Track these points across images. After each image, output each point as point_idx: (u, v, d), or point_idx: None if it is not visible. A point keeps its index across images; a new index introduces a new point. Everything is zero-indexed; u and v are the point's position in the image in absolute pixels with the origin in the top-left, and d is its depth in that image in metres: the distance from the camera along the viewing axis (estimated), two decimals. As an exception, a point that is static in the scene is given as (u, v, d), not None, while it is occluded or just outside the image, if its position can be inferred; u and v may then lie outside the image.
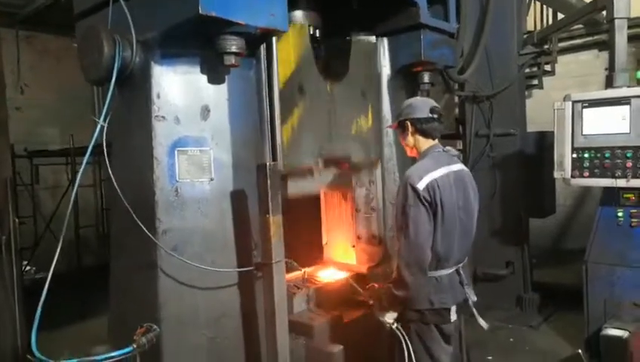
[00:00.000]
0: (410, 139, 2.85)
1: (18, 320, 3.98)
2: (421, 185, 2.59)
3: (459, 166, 2.85)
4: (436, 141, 2.86)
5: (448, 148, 2.88)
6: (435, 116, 2.81)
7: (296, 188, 3.29)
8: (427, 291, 2.68)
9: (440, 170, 2.69)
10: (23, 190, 7.51)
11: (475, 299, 2.87)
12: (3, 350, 3.96)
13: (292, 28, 3.12)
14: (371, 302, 2.93)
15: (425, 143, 2.83)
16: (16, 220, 4.10)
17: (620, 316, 4.00)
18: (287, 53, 3.11)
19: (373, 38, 3.70)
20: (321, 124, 3.35)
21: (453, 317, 2.76)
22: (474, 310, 2.87)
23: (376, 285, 3.05)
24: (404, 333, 2.72)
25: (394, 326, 2.73)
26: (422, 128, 2.80)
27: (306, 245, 3.80)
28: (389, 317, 2.75)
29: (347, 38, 3.63)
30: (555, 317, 5.55)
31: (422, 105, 2.84)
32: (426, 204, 2.59)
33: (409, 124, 2.82)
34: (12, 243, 3.94)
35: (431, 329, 2.76)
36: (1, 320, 3.96)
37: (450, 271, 2.76)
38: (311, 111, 3.23)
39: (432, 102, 2.88)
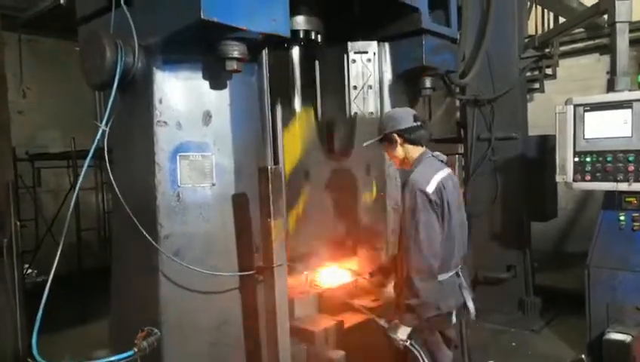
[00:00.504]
0: (399, 150, 2.84)
1: (19, 323, 3.97)
2: (430, 189, 2.61)
3: (448, 170, 2.87)
4: (425, 147, 2.88)
5: (437, 153, 2.91)
6: (420, 123, 2.84)
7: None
8: (435, 297, 2.67)
9: (440, 172, 2.73)
10: (24, 193, 7.52)
11: (472, 304, 2.87)
12: (4, 353, 3.96)
13: (298, 117, 3.27)
14: (382, 322, 2.87)
15: (415, 151, 2.84)
16: (18, 223, 4.10)
17: (623, 320, 3.98)
18: (293, 142, 3.23)
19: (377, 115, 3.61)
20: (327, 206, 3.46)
21: (454, 320, 2.78)
22: (470, 306, 2.86)
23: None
24: (419, 349, 2.68)
25: (408, 344, 2.67)
26: (410, 138, 2.81)
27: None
28: (403, 334, 2.68)
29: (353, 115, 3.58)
30: (557, 321, 5.54)
31: (405, 115, 2.87)
32: (436, 207, 2.61)
33: (396, 136, 2.81)
34: (13, 246, 3.94)
35: (435, 335, 2.75)
36: (2, 323, 3.96)
37: (451, 273, 2.78)
38: (316, 196, 3.31)
39: (412, 111, 2.93)
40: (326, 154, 3.46)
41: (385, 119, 2.94)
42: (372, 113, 3.46)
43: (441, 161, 2.87)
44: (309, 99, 3.53)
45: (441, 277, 2.72)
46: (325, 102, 3.64)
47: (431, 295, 2.62)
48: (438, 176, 2.69)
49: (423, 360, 2.66)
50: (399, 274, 2.96)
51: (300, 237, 3.19)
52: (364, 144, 3.07)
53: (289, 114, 3.33)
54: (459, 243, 2.80)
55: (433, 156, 2.86)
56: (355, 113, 3.48)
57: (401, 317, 2.68)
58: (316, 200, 3.32)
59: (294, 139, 3.31)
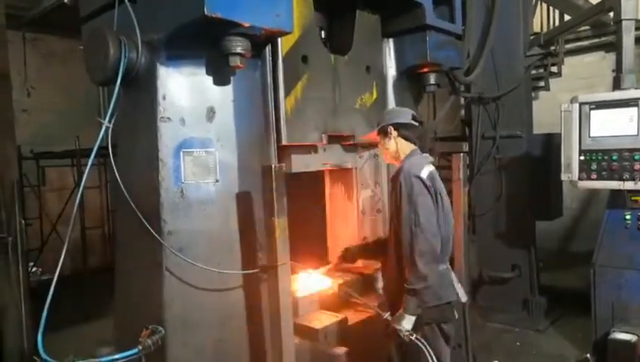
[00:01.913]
0: (392, 143, 2.92)
1: (24, 321, 3.99)
2: (424, 174, 2.71)
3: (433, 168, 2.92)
4: (416, 146, 2.95)
5: (426, 154, 2.98)
6: (417, 123, 2.93)
7: (300, 164, 3.24)
8: (433, 286, 2.69)
9: (430, 165, 2.84)
10: (29, 191, 7.54)
11: (465, 298, 2.92)
12: (9, 351, 3.98)
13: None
14: (385, 316, 2.86)
15: (407, 147, 2.92)
16: (23, 221, 4.12)
17: (629, 320, 3.96)
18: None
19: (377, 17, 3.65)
20: (325, 98, 3.29)
21: (456, 314, 2.81)
22: (460, 291, 2.87)
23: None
24: (424, 341, 2.67)
25: (413, 337, 2.67)
26: (404, 133, 2.90)
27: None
28: (408, 324, 2.67)
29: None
30: (563, 320, 5.52)
31: (404, 113, 2.99)
32: (430, 191, 2.69)
33: (392, 128, 2.90)
34: (18, 245, 3.96)
35: (435, 329, 2.75)
36: (7, 321, 3.98)
37: (445, 266, 2.82)
38: (314, 83, 3.18)
39: (412, 111, 3.01)
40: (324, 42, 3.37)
41: (385, 113, 3.07)
42: None
43: (429, 163, 2.91)
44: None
45: (439, 267, 2.74)
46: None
47: (435, 279, 2.65)
48: (428, 167, 2.80)
49: (429, 352, 2.65)
50: (389, 271, 2.98)
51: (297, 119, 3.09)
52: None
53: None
54: (450, 236, 2.86)
55: (423, 156, 2.94)
56: None
57: (405, 306, 2.68)
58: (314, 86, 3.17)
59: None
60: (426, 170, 2.76)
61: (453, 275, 2.90)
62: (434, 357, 2.65)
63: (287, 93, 2.93)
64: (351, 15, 3.50)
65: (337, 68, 3.34)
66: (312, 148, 3.28)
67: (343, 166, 3.56)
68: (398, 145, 2.91)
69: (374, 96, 3.60)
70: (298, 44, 3.02)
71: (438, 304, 2.72)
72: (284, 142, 2.93)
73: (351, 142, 3.49)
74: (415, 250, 2.62)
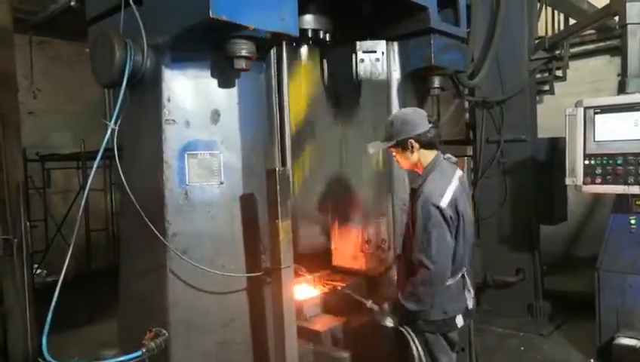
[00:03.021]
0: (414, 156, 2.75)
1: (29, 323, 4.00)
2: (444, 203, 2.56)
3: (460, 172, 2.84)
4: (438, 151, 2.83)
5: (448, 155, 2.86)
6: (433, 124, 2.77)
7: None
8: (440, 301, 2.68)
9: (453, 181, 2.69)
10: (34, 194, 7.58)
11: (472, 306, 2.88)
12: (14, 353, 3.99)
13: (303, 68, 3.22)
14: (369, 304, 2.90)
15: (430, 155, 2.77)
16: (28, 224, 4.13)
17: (633, 325, 3.95)
18: (298, 94, 3.20)
19: (384, 77, 3.57)
20: (332, 166, 3.39)
21: (460, 323, 2.77)
22: (470, 303, 2.86)
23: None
24: (410, 331, 2.70)
25: (393, 325, 2.74)
26: (427, 141, 2.73)
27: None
28: (389, 322, 2.75)
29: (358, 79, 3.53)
30: (567, 325, 5.49)
31: (419, 119, 2.75)
32: (450, 221, 2.57)
33: (414, 141, 2.71)
34: (23, 247, 3.97)
35: (438, 338, 2.74)
36: (12, 323, 3.99)
37: (457, 277, 2.77)
38: (322, 154, 3.28)
39: (423, 112, 2.84)
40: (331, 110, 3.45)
41: (398, 123, 2.77)
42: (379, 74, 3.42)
43: (453, 163, 2.84)
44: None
45: (449, 281, 2.71)
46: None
47: (430, 300, 2.63)
48: (452, 187, 2.64)
49: (414, 342, 2.67)
50: (400, 277, 2.97)
51: (305, 193, 3.18)
52: (371, 151, 2.94)
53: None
54: (468, 247, 2.80)
55: (445, 159, 2.82)
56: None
57: (391, 310, 2.74)
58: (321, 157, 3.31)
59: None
60: (449, 194, 2.59)
61: (468, 282, 2.84)
62: (419, 346, 2.67)
63: (294, 163, 2.99)
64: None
65: (344, 137, 3.45)
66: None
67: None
68: (420, 156, 2.75)
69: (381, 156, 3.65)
70: (307, 115, 3.16)
71: (445, 318, 2.71)
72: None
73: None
74: (419, 276, 2.59)
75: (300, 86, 3.28)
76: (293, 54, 3.27)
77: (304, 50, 3.38)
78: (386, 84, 3.51)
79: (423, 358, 2.68)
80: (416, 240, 2.63)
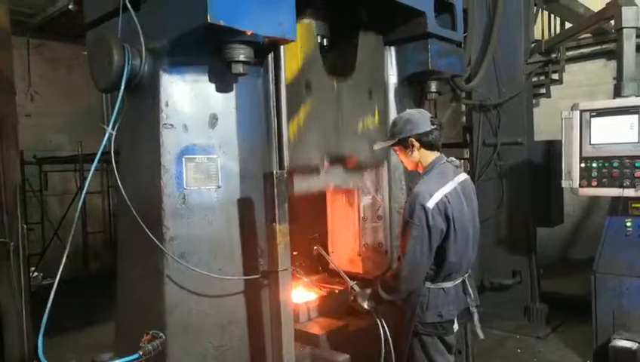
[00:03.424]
0: (415, 155, 2.78)
1: (25, 326, 3.99)
2: (431, 204, 2.57)
3: (463, 176, 2.85)
4: (440, 153, 2.85)
5: (451, 158, 2.88)
6: (436, 126, 2.79)
7: (303, 186, 3.23)
8: (436, 304, 2.70)
9: (449, 184, 2.69)
10: (31, 196, 7.59)
11: (475, 309, 2.87)
12: (10, 355, 3.97)
13: (299, 25, 3.07)
14: (353, 284, 3.05)
15: (431, 156, 2.79)
16: (25, 227, 4.12)
17: (629, 327, 3.96)
18: (294, 50, 3.09)
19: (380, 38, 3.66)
20: (328, 122, 3.31)
21: (456, 327, 2.79)
22: (475, 319, 2.88)
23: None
24: (382, 320, 2.86)
25: (371, 311, 2.88)
26: (428, 141, 2.76)
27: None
28: (367, 305, 2.89)
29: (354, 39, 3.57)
30: (563, 327, 5.51)
31: (422, 119, 2.78)
32: (431, 223, 2.57)
33: (414, 140, 2.75)
34: (20, 250, 3.96)
35: (435, 341, 2.76)
36: (8, 326, 3.97)
37: (457, 281, 2.78)
38: (317, 109, 3.20)
39: (427, 113, 2.86)
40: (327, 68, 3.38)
41: (401, 122, 2.82)
42: None
43: (456, 167, 2.86)
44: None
45: (446, 284, 2.74)
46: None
47: (399, 294, 2.75)
48: (445, 189, 2.65)
49: (384, 330, 2.81)
50: None
51: (300, 150, 3.13)
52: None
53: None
54: (469, 251, 2.79)
55: (448, 161, 2.83)
56: None
57: (371, 296, 2.87)
58: (317, 112, 3.24)
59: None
60: (438, 197, 2.59)
61: (469, 287, 2.84)
62: (387, 330, 2.82)
63: (290, 119, 2.91)
64: (354, 34, 3.54)
65: (340, 93, 3.38)
66: (314, 170, 3.28)
67: (344, 188, 3.60)
68: (421, 156, 2.79)
69: (376, 119, 3.64)
70: (301, 71, 3.08)
71: (440, 321, 2.72)
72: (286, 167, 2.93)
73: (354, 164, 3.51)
74: (396, 270, 2.73)
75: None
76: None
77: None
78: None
79: (390, 340, 2.82)
80: (399, 233, 2.72)
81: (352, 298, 2.99)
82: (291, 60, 3.03)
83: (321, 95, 3.25)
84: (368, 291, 2.90)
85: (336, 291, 3.47)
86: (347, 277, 3.14)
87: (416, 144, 2.75)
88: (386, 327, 2.80)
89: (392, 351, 2.81)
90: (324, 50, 3.39)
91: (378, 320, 2.85)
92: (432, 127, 2.76)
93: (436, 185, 2.65)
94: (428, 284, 2.72)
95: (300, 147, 3.09)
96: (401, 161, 2.99)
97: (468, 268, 2.84)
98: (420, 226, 2.57)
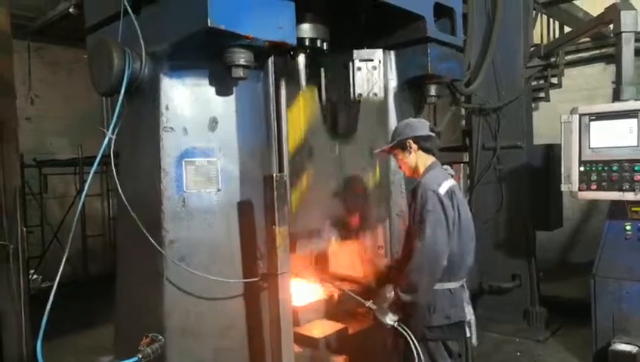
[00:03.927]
0: (412, 157, 2.89)
1: (24, 329, 3.98)
2: (442, 190, 2.68)
3: (454, 182, 2.91)
4: (436, 159, 2.94)
5: (446, 166, 2.99)
6: (434, 134, 2.93)
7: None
8: (442, 306, 2.70)
9: (450, 180, 2.79)
10: (31, 199, 7.58)
11: (472, 317, 2.88)
12: (9, 358, 3.97)
13: (302, 95, 3.25)
14: (369, 304, 2.92)
15: (427, 159, 2.90)
16: (24, 229, 4.12)
17: (629, 331, 3.95)
18: (297, 119, 3.24)
19: (382, 96, 3.62)
20: (329, 185, 3.42)
21: (467, 332, 2.79)
22: (473, 326, 2.88)
23: None
24: (407, 329, 2.72)
25: (395, 324, 2.74)
26: (425, 145, 2.87)
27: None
28: (390, 320, 2.76)
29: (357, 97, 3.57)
30: (563, 331, 5.50)
31: (421, 125, 2.94)
32: (446, 208, 2.65)
33: (412, 142, 2.86)
34: (19, 252, 3.96)
35: (439, 345, 2.76)
36: (7, 329, 3.97)
37: (459, 283, 2.78)
38: (320, 174, 3.31)
39: (427, 122, 3.01)
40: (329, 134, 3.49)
41: (401, 126, 2.98)
42: (376, 94, 3.45)
43: (450, 175, 2.92)
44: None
45: (451, 285, 2.75)
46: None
47: (424, 289, 2.64)
48: (448, 182, 2.76)
49: (412, 340, 2.69)
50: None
51: (303, 214, 3.20)
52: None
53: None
54: (469, 252, 2.83)
55: (443, 168, 2.93)
56: (360, 94, 3.45)
57: (390, 305, 2.76)
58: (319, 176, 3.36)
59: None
60: (445, 186, 2.73)
61: (465, 295, 2.86)
62: (417, 345, 2.68)
63: (293, 187, 3.04)
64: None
65: (341, 156, 3.48)
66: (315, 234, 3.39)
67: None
68: (418, 159, 2.89)
69: (377, 177, 3.69)
70: (305, 138, 3.19)
71: (448, 324, 2.73)
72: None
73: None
74: (413, 264, 2.64)
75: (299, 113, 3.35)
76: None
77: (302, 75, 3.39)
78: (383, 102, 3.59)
79: (422, 356, 2.69)
80: (412, 227, 2.73)
81: (373, 317, 2.89)
82: (295, 128, 3.19)
83: (323, 159, 3.38)
84: (385, 305, 2.81)
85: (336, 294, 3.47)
86: (362, 299, 3.02)
87: (414, 146, 2.87)
88: (414, 338, 2.70)
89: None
90: (325, 109, 3.52)
91: (405, 333, 2.73)
92: (431, 133, 2.90)
93: (441, 177, 2.78)
94: (435, 286, 2.71)
95: (302, 212, 3.20)
96: (400, 167, 3.07)
97: (468, 269, 2.85)
98: (435, 211, 2.63)
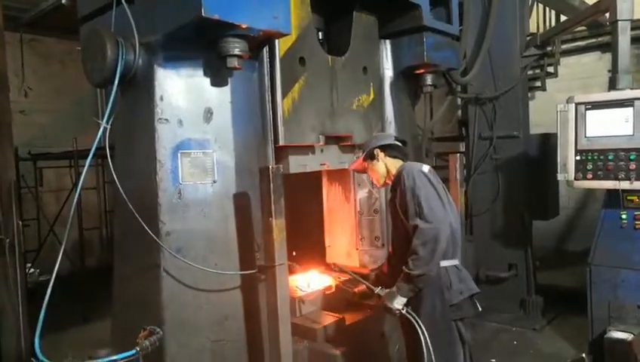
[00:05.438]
0: (381, 165, 3.00)
1: (21, 323, 3.98)
2: (425, 169, 2.81)
3: None
4: (404, 162, 3.00)
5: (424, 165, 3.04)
6: (399, 143, 3.04)
7: (298, 165, 3.24)
8: (456, 281, 2.73)
9: (426, 165, 2.92)
10: (26, 193, 7.53)
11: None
12: (7, 352, 3.97)
13: None
14: (377, 290, 2.90)
15: (397, 162, 2.99)
16: (20, 223, 4.10)
17: (624, 319, 3.98)
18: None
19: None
20: (323, 99, 3.29)
21: (479, 307, 2.84)
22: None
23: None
24: (415, 316, 2.70)
25: (404, 311, 2.72)
26: (391, 153, 3.00)
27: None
28: (399, 303, 2.72)
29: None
30: (559, 319, 5.53)
31: (386, 135, 3.20)
32: (434, 184, 2.74)
33: (378, 150, 2.98)
34: (16, 246, 3.95)
35: (453, 330, 2.77)
36: (4, 323, 3.97)
37: (457, 261, 2.81)
38: (312, 85, 3.19)
39: (394, 135, 3.20)
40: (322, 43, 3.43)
41: (370, 140, 3.15)
42: None
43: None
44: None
45: (456, 262, 2.79)
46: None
47: (434, 261, 2.63)
48: (427, 167, 2.88)
49: (420, 327, 2.68)
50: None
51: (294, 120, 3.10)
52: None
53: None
54: (459, 225, 2.87)
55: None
56: None
57: (398, 288, 2.72)
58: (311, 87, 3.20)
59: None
60: (426, 168, 2.86)
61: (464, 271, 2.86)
62: (425, 331, 2.66)
63: (284, 95, 2.94)
64: (348, 16, 3.51)
65: (335, 69, 3.35)
66: (309, 150, 3.29)
67: (340, 167, 3.57)
68: (387, 165, 2.99)
69: (371, 96, 3.61)
70: (295, 45, 3.03)
71: (463, 299, 2.73)
72: (281, 143, 2.94)
73: (348, 143, 3.50)
74: (418, 240, 2.61)
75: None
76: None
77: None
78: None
79: (430, 343, 2.67)
80: (409, 210, 2.70)
81: (382, 304, 2.83)
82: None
83: (316, 71, 3.22)
84: (394, 289, 2.75)
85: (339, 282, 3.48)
86: (371, 286, 3.02)
87: (381, 154, 2.99)
88: (421, 324, 2.67)
89: (431, 349, 2.67)
90: (319, 24, 3.42)
91: (412, 319, 2.70)
92: (395, 142, 3.03)
93: (419, 164, 2.90)
94: (443, 263, 2.71)
95: (294, 124, 3.06)
96: (372, 181, 3.20)
97: (459, 248, 2.87)
98: (424, 187, 2.71)
